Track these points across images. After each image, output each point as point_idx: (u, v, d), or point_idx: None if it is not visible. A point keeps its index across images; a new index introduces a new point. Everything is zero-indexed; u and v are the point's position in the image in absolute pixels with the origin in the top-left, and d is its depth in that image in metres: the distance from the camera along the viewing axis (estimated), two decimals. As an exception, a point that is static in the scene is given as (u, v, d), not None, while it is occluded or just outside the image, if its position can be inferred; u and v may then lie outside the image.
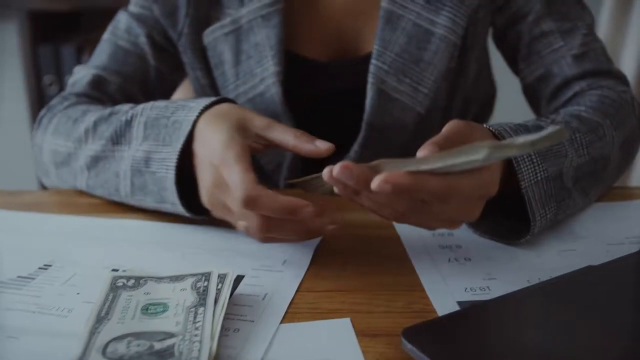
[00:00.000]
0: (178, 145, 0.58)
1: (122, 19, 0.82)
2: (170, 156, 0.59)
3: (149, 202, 0.62)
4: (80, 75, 0.80)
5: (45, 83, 1.82)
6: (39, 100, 1.81)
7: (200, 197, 0.56)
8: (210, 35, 0.79)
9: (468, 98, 0.85)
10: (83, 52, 1.78)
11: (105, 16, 0.84)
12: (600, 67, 0.77)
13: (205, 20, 0.79)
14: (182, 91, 0.96)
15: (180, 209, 0.59)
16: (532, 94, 0.82)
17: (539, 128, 0.59)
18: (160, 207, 0.62)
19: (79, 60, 1.77)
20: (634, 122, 0.72)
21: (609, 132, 0.66)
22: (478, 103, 0.90)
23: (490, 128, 0.56)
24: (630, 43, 1.92)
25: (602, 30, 1.93)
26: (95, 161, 0.66)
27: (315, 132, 0.77)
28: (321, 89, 0.82)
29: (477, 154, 0.40)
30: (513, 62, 0.83)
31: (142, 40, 0.80)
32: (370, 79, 0.76)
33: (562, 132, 0.39)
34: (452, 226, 0.52)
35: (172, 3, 0.79)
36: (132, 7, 0.82)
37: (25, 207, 0.68)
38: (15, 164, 2.06)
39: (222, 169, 0.52)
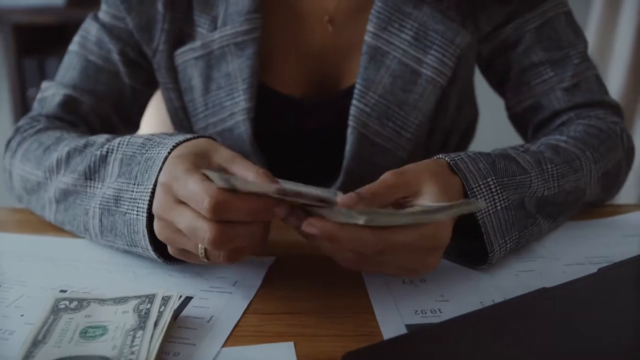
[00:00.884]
0: (150, 184, 0.52)
1: (91, 30, 0.77)
2: (142, 197, 0.53)
3: (120, 245, 0.57)
4: (50, 94, 0.76)
5: (30, 95, 1.83)
6: (23, 113, 1.81)
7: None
8: (181, 57, 0.75)
9: (448, 129, 0.82)
10: (68, 65, 1.78)
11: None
12: (592, 99, 0.74)
13: (180, 36, 0.75)
14: (151, 108, 0.96)
15: (151, 255, 0.54)
16: (519, 122, 0.80)
17: (507, 158, 0.59)
18: (131, 251, 0.57)
19: (63, 73, 1.77)
20: (620, 155, 0.70)
21: (587, 164, 0.64)
22: (459, 132, 0.86)
23: (447, 159, 0.55)
24: (618, 45, 1.93)
25: (591, 32, 1.93)
26: (65, 195, 0.61)
27: (289, 171, 0.74)
28: (295, 127, 0.78)
29: (357, 219, 0.42)
30: (499, 88, 0.81)
31: (115, 57, 0.75)
32: (351, 122, 0.72)
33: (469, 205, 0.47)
34: (411, 275, 0.51)
35: (147, 16, 0.74)
36: (103, 16, 0.76)
37: (-17, 226, 0.67)
38: None
39: (173, 186, 0.48)
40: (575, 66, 0.74)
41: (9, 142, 0.72)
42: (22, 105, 1.81)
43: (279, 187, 0.44)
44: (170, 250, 0.51)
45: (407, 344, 0.44)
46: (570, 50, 0.74)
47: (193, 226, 0.46)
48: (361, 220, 0.42)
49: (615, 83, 1.96)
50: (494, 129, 1.06)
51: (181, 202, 0.48)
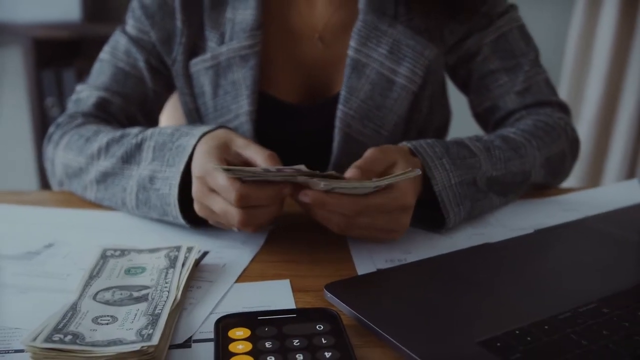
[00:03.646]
0: (181, 166, 0.66)
1: (120, 41, 0.89)
2: (174, 175, 0.67)
3: (153, 215, 0.70)
4: (85, 95, 0.88)
5: (48, 105, 1.95)
6: (41, 121, 1.94)
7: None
8: (194, 66, 0.88)
9: (423, 128, 0.94)
10: (83, 76, 1.91)
11: (103, 44, 0.93)
12: (541, 99, 0.88)
13: (194, 49, 0.88)
14: (169, 109, 1.09)
15: (181, 221, 0.68)
16: (482, 120, 0.94)
17: (460, 145, 0.72)
18: (163, 219, 0.70)
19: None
20: (564, 144, 0.84)
21: (532, 151, 0.78)
22: (432, 131, 0.96)
23: (409, 145, 0.68)
24: (600, 44, 2.07)
25: (572, 37, 2.07)
26: (105, 177, 0.74)
27: (285, 165, 0.88)
28: (291, 129, 0.90)
29: (319, 185, 0.57)
30: (464, 91, 0.95)
31: (141, 65, 0.88)
32: (337, 124, 0.85)
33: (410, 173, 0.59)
34: (390, 235, 0.64)
35: (167, 31, 0.87)
36: (130, 29, 0.89)
37: (28, 204, 0.80)
38: (19, 180, 2.18)
39: (206, 179, 0.61)
40: (526, 72, 0.88)
41: (51, 135, 0.85)
42: (40, 113, 1.94)
43: (265, 168, 0.59)
44: (210, 222, 0.65)
45: (375, 278, 0.57)
46: (522, 58, 0.88)
47: (225, 210, 0.60)
48: (321, 185, 0.56)
49: (594, 87, 2.10)
50: (466, 128, 1.19)
51: (214, 191, 0.62)
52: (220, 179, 0.59)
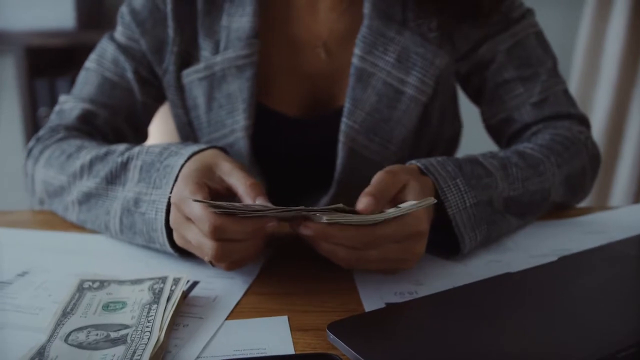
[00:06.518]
0: (168, 188, 0.60)
1: (108, 49, 0.83)
2: (160, 199, 0.61)
3: (139, 241, 0.64)
4: (68, 107, 0.82)
5: (41, 115, 1.90)
6: (34, 131, 1.88)
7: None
8: (187, 77, 0.81)
9: (433, 141, 0.88)
10: (77, 85, 1.85)
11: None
12: (559, 111, 0.81)
13: (187, 58, 0.82)
14: (160, 120, 1.03)
15: (168, 250, 0.61)
16: (495, 133, 0.87)
17: (474, 162, 0.66)
18: (149, 246, 0.64)
19: (73, 93, 1.85)
20: (584, 160, 0.77)
21: (551, 168, 0.71)
22: (443, 144, 0.91)
23: (418, 164, 0.63)
24: (608, 53, 2.01)
25: (581, 40, 2.01)
26: (88, 197, 0.68)
27: (286, 183, 0.80)
28: (291, 144, 0.84)
29: (322, 219, 0.51)
30: (476, 102, 0.88)
31: (129, 75, 0.82)
32: (341, 138, 0.78)
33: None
34: (403, 265, 0.57)
35: (158, 39, 0.81)
36: (119, 37, 0.83)
37: (9, 224, 0.74)
38: (10, 193, 2.12)
39: (181, 207, 0.55)
40: (544, 82, 0.81)
41: (30, 150, 0.79)
42: (32, 123, 1.88)
43: (236, 204, 0.52)
44: (183, 246, 0.58)
45: (385, 315, 0.51)
46: (539, 67, 0.81)
47: (199, 241, 0.54)
48: (323, 219, 0.50)
49: (603, 96, 2.04)
50: (479, 141, 1.13)
51: (190, 219, 0.55)
52: (196, 208, 0.53)
